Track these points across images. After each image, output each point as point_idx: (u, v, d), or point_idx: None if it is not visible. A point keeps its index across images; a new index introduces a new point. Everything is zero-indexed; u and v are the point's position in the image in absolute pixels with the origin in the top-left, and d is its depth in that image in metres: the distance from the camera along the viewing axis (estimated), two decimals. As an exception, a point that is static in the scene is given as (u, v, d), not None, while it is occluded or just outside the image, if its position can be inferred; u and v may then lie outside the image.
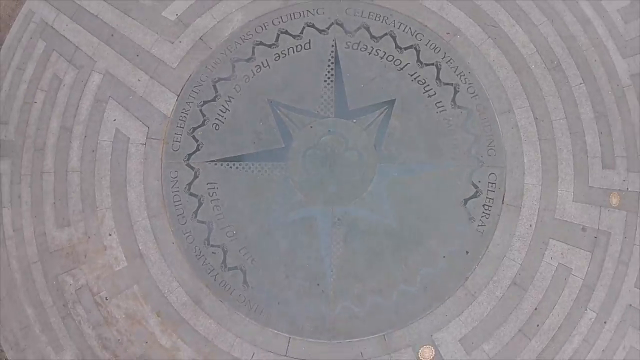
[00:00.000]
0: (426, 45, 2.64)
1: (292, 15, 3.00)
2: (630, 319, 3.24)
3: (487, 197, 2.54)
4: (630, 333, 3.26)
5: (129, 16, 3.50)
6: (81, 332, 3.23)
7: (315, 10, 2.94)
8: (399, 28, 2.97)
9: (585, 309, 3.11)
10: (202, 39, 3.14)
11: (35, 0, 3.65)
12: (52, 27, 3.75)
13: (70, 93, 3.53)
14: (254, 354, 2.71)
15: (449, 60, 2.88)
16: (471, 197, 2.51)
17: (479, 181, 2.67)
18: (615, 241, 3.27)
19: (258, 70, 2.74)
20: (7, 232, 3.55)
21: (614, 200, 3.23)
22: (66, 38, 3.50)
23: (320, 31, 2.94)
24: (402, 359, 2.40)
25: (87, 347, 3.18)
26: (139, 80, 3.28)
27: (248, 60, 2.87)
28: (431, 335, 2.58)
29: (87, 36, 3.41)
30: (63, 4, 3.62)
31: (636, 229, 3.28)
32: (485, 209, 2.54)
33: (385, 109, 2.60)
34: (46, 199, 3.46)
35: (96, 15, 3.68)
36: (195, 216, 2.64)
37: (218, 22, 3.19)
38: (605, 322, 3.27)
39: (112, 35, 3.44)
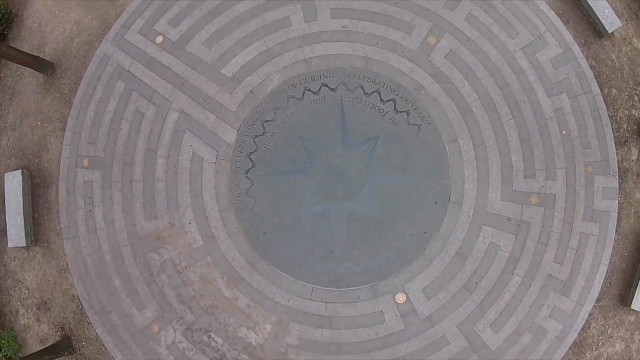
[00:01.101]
0: (401, 98, 6.01)
1: (312, 77, 6.24)
2: (552, 285, 6.34)
3: (437, 197, 5.68)
4: (552, 295, 6.35)
5: (196, 70, 6.61)
6: (163, 293, 6.28)
7: (328, 75, 6.07)
8: (382, 87, 6.12)
9: (512, 274, 6.19)
10: (252, 92, 6.25)
11: (109, 45, 6.80)
12: (128, 71, 6.84)
13: (152, 125, 6.64)
14: (289, 298, 5.87)
15: (415, 108, 6.20)
16: (429, 198, 5.87)
17: (433, 187, 6.12)
18: (535, 228, 6.36)
19: (291, 116, 6.05)
20: (99, 224, 6.64)
21: (534, 200, 6.29)
22: (144, 82, 6.69)
23: (331, 89, 6.12)
24: (385, 301, 5.39)
25: (167, 304, 6.24)
26: (208, 119, 6.38)
27: (284, 108, 6.12)
28: (403, 286, 5.92)
29: (162, 82, 6.53)
30: (137, 53, 6.78)
31: (553, 220, 6.43)
32: (436, 205, 5.89)
33: (372, 142, 5.91)
34: (136, 200, 6.54)
35: (167, 67, 6.75)
36: (252, 210, 5.97)
37: (262, 80, 6.33)
38: (529, 285, 6.37)
39: (183, 84, 6.54)
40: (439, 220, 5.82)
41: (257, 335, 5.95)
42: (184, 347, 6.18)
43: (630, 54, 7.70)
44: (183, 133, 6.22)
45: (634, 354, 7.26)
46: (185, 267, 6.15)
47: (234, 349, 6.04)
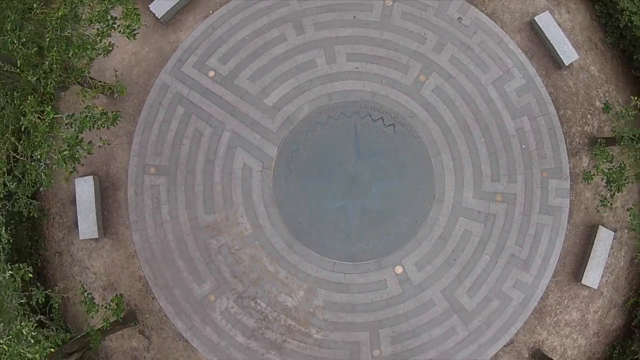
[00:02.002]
0: (398, 123, 10.16)
1: (333, 107, 10.48)
2: (514, 262, 10.84)
3: (425, 196, 10.15)
4: (515, 270, 10.85)
5: (244, 100, 10.89)
6: (219, 270, 10.52)
7: (345, 105, 10.42)
8: (385, 114, 10.46)
9: (482, 253, 10.68)
10: (288, 118, 10.56)
11: (167, 76, 11.13)
12: (187, 98, 11.09)
13: (209, 142, 10.90)
14: (317, 270, 10.19)
15: (409, 131, 10.26)
16: (419, 196, 10.30)
17: (422, 189, 10.57)
18: (499, 219, 10.87)
19: (318, 136, 9.97)
20: (165, 218, 10.84)
21: (499, 198, 10.79)
22: (201, 108, 10.93)
23: (347, 117, 10.44)
24: (387, 272, 9.69)
25: (222, 278, 10.50)
26: (255, 138, 10.64)
27: (313, 131, 10.16)
28: (400, 260, 10.27)
29: (216, 108, 10.83)
30: (193, 84, 11.11)
31: (514, 213, 10.95)
32: (424, 202, 10.18)
33: (378, 156, 10.27)
34: (197, 199, 10.78)
35: (220, 96, 11.01)
36: (290, 206, 9.77)
37: (296, 109, 10.64)
38: (496, 262, 10.84)
39: (234, 110, 10.84)
40: (426, 213, 10.14)
41: (293, 299, 10.26)
42: (234, 312, 10.41)
43: (586, 80, 12.24)
44: (235, 149, 10.47)
45: (590, 322, 11.76)
46: (238, 249, 10.39)
47: (275, 311, 10.31)
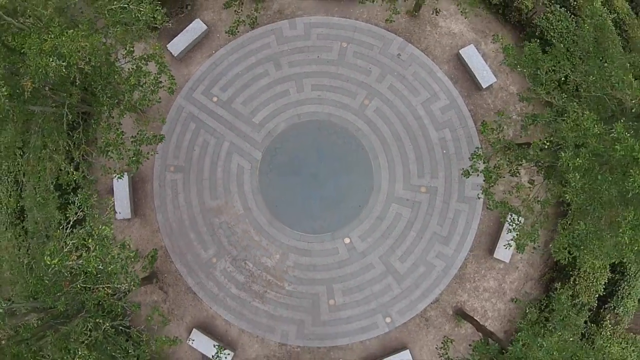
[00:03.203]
0: (348, 135, 15.36)
1: (302, 125, 16.66)
2: (436, 238, 16.68)
3: (366, 188, 15.88)
4: (437, 244, 16.71)
5: (238, 119, 17.25)
6: (220, 240, 16.86)
7: (310, 123, 16.66)
8: (339, 130, 16.47)
9: (410, 230, 16.59)
10: (269, 132, 16.62)
11: (182, 100, 17.60)
12: (197, 117, 17.58)
13: (214, 149, 17.29)
14: (289, 240, 16.38)
15: (356, 141, 15.78)
16: (362, 188, 16.52)
17: (365, 182, 16.57)
18: (424, 205, 16.80)
19: (291, 145, 15.59)
20: (181, 203, 17.32)
21: (423, 190, 16.70)
22: (207, 124, 17.23)
23: (311, 131, 16.51)
24: (338, 242, 15.62)
25: (222, 246, 16.81)
26: (246, 146, 16.87)
27: (287, 141, 15.76)
28: (348, 234, 15.90)
29: (218, 125, 16.98)
30: (202, 107, 16.82)
31: (435, 201, 16.85)
32: (366, 192, 15.89)
33: (333, 159, 16.06)
34: (204, 189, 17.16)
35: (221, 116, 17.44)
36: (270, 194, 16.17)
37: (275, 126, 17.02)
38: (421, 237, 16.73)
39: (231, 126, 17.22)
40: (367, 200, 16.31)
41: (271, 261, 16.51)
42: (230, 271, 16.73)
43: (505, 97, 18.11)
44: (232, 154, 16.80)
45: (507, 291, 17.61)
46: (233, 225, 16.71)
47: (258, 270, 16.58)
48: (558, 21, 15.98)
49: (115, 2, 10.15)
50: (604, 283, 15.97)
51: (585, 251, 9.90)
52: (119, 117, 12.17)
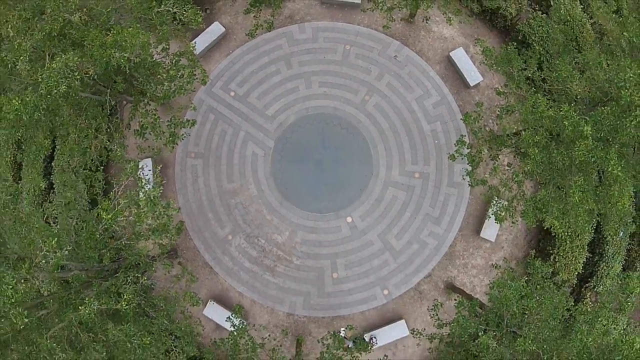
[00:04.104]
0: (351, 127, 18.37)
1: (309, 117, 19.14)
2: (428, 219, 19.37)
3: (367, 173, 18.59)
4: (429, 224, 19.32)
5: (253, 112, 20.06)
6: (235, 219, 19.47)
7: (317, 116, 19.54)
8: (342, 121, 19.31)
9: (405, 212, 19.26)
10: (281, 124, 19.31)
11: (203, 94, 20.38)
12: (216, 109, 20.40)
13: (231, 137, 20.00)
14: (297, 218, 18.94)
15: (357, 132, 18.64)
16: (363, 173, 19.23)
17: (365, 168, 19.26)
18: (417, 189, 19.53)
19: (300, 135, 18.42)
20: (200, 186, 20.01)
21: (417, 175, 19.42)
22: (226, 116, 20.00)
23: (318, 123, 19.27)
24: (341, 220, 18.08)
25: (237, 224, 19.44)
26: (260, 135, 19.67)
27: (296, 131, 18.71)
28: (350, 213, 18.68)
29: (235, 116, 19.74)
30: (220, 100, 19.74)
31: (427, 185, 19.58)
32: (365, 177, 18.76)
33: (337, 148, 19.11)
34: (222, 173, 19.85)
35: (238, 109, 20.25)
36: (281, 178, 19.00)
37: (286, 118, 19.35)
38: (415, 218, 19.40)
39: (247, 118, 20.11)
40: (367, 184, 18.96)
41: (281, 237, 19.12)
42: (244, 246, 19.31)
43: (491, 94, 20.98)
44: (247, 142, 19.50)
45: (494, 261, 20.33)
46: (248, 205, 19.33)
47: (270, 245, 19.16)
48: (539, 26, 18.86)
49: (162, 5, 12.95)
50: (582, 262, 18.30)
51: (547, 213, 12.62)
52: (156, 104, 14.93)
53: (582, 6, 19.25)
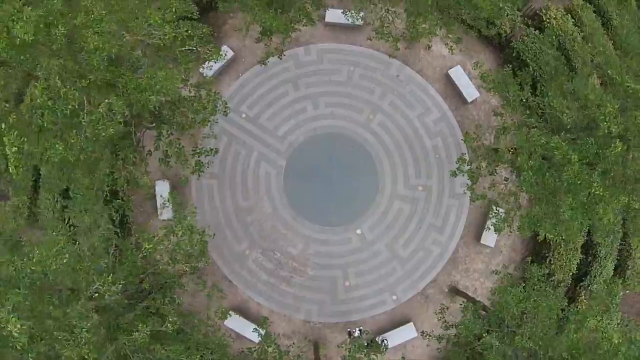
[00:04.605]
0: (357, 144, 20.20)
1: (317, 136, 21.15)
2: (432, 228, 21.06)
3: (373, 187, 20.60)
4: (433, 233, 21.17)
5: (265, 133, 21.63)
6: (251, 235, 20.99)
7: (324, 135, 21.29)
8: (348, 140, 20.95)
9: (410, 222, 20.95)
10: (291, 143, 20.90)
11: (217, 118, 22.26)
12: (229, 131, 22.02)
13: (244, 158, 21.61)
14: (310, 232, 20.72)
15: (363, 149, 20.39)
16: (370, 188, 21.21)
17: (371, 183, 21.18)
18: (421, 201, 21.29)
19: (309, 153, 20.33)
20: (217, 203, 21.51)
21: (420, 188, 21.25)
22: (238, 137, 21.56)
23: (326, 142, 21.19)
24: (351, 233, 19.92)
25: (253, 240, 20.83)
26: (272, 155, 21.31)
27: (306, 150, 20.69)
28: (360, 226, 20.28)
29: (248, 137, 20.73)
30: (232, 122, 21.26)
31: (431, 197, 21.43)
32: (372, 191, 21.04)
33: (345, 165, 21.22)
34: (237, 192, 21.31)
35: (250, 130, 21.90)
36: (294, 194, 20.91)
37: (295, 138, 20.91)
38: (420, 228, 21.15)
39: (259, 138, 21.65)
40: (374, 198, 20.37)
41: (295, 249, 20.71)
42: (261, 260, 20.99)
43: (487, 110, 22.82)
44: (260, 162, 21.03)
45: (493, 267, 22.28)
46: (263, 221, 20.90)
47: (285, 258, 20.83)
48: (532, 43, 20.60)
49: (186, 45, 14.49)
50: (576, 263, 20.10)
51: (541, 228, 14.53)
52: (179, 134, 16.54)
53: (573, 20, 20.76)
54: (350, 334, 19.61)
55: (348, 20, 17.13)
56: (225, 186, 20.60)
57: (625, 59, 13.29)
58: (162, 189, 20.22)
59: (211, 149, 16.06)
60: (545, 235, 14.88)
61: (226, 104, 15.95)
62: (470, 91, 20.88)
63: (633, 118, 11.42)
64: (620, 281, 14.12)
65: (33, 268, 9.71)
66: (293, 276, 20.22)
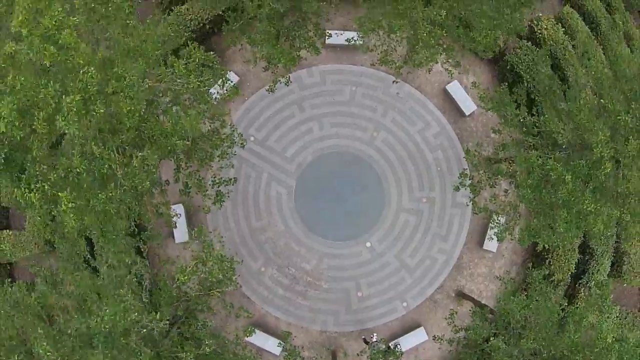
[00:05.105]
0: (362, 161, 21.50)
1: (325, 156, 22.65)
2: (437, 237, 22.83)
3: (380, 202, 22.32)
4: (438, 242, 22.87)
5: (273, 154, 23.18)
6: (266, 252, 22.49)
7: (332, 154, 22.81)
8: (354, 157, 22.63)
9: (417, 232, 22.57)
10: (300, 164, 22.35)
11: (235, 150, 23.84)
12: (239, 154, 23.48)
13: (255, 180, 23.03)
14: (322, 247, 22.31)
15: (368, 165, 22.12)
16: (377, 202, 22.91)
17: (378, 197, 22.79)
18: (425, 213, 22.92)
19: (317, 173, 21.86)
20: (232, 225, 22.98)
21: (424, 200, 22.91)
22: (248, 160, 22.46)
23: (333, 161, 22.71)
24: (361, 246, 21.36)
25: (268, 257, 22.37)
26: (282, 176, 22.84)
27: (314, 170, 22.19)
28: (369, 239, 22.03)
29: (257, 160, 22.65)
30: (240, 150, 23.62)
31: (434, 208, 23.11)
32: (379, 205, 22.73)
33: (351, 182, 22.94)
34: (250, 213, 22.92)
35: (259, 152, 23.37)
36: (305, 213, 22.53)
37: (303, 158, 22.52)
38: (425, 237, 22.93)
39: (268, 160, 23.31)
40: (381, 211, 21.91)
41: (310, 265, 22.28)
42: (276, 276, 22.50)
43: (484, 121, 24.51)
44: (271, 183, 22.55)
45: (496, 271, 24.06)
46: (276, 239, 22.40)
47: (300, 273, 22.35)
48: (525, 55, 22.16)
49: (205, 87, 15.82)
50: (574, 263, 21.80)
51: (540, 239, 16.24)
52: (199, 166, 17.93)
53: (564, 29, 22.23)
54: (365, 341, 21.29)
55: (360, 42, 18.20)
56: (238, 208, 22.06)
57: (617, 82, 14.93)
58: (178, 212, 21.58)
59: (230, 179, 17.49)
60: (543, 245, 16.57)
61: (242, 135, 17.34)
62: (467, 104, 22.49)
63: (622, 142, 13.10)
64: (616, 277, 15.82)
65: (106, 327, 11.09)
66: (308, 290, 21.79)
